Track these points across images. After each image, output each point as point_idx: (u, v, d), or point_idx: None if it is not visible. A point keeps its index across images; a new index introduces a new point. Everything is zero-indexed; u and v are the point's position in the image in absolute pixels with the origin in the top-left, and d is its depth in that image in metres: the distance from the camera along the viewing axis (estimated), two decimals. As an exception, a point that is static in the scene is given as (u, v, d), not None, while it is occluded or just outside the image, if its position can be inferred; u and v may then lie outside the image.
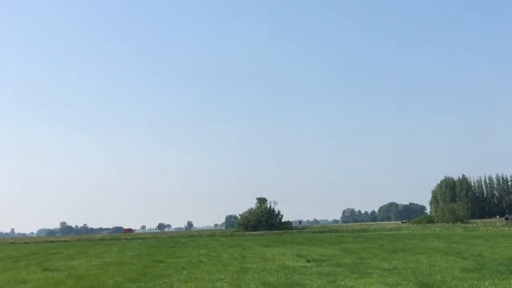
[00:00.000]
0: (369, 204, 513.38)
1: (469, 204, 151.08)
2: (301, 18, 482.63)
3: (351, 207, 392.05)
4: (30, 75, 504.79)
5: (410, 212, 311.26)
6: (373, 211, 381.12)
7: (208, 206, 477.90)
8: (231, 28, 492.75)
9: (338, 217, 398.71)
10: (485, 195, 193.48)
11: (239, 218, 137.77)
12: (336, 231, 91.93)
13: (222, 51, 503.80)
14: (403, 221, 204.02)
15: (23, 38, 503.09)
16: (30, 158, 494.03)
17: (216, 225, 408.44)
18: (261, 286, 16.49)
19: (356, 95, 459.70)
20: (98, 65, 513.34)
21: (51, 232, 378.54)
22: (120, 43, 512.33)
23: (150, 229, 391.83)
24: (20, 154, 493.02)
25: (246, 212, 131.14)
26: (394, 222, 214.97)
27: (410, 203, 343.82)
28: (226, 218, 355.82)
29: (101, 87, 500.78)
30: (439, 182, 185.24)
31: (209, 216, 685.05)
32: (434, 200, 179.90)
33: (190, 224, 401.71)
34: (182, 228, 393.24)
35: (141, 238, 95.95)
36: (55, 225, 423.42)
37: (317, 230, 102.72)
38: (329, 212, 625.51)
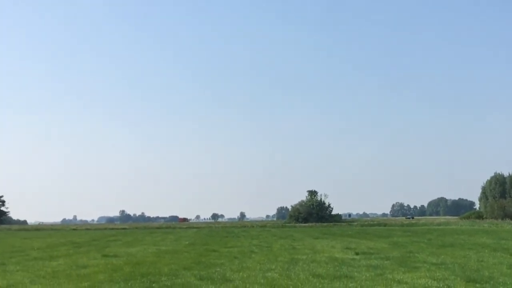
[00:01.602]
0: (418, 198, 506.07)
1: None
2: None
3: (400, 201, 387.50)
4: (87, 73, 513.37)
5: (459, 208, 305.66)
6: (422, 206, 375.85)
7: (260, 198, 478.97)
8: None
9: (387, 211, 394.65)
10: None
11: (290, 210, 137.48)
12: (385, 225, 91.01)
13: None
14: (407, 217, 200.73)
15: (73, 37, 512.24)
16: (93, 149, 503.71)
17: (267, 216, 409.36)
18: (310, 277, 16.45)
19: (408, 90, 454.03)
20: (160, 57, 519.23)
21: (110, 220, 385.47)
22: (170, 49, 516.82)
23: (204, 219, 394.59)
24: (82, 145, 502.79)
25: (297, 204, 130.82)
26: (443, 217, 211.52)
27: (459, 199, 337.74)
28: (278, 209, 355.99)
29: (155, 81, 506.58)
30: (489, 178, 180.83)
31: (261, 208, 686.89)
32: (484, 196, 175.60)
33: (242, 215, 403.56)
34: (235, 218, 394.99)
35: (196, 228, 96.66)
36: (114, 213, 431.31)
37: (366, 223, 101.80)
38: (379, 205, 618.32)
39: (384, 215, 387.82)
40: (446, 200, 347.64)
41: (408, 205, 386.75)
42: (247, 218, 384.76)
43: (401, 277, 16.06)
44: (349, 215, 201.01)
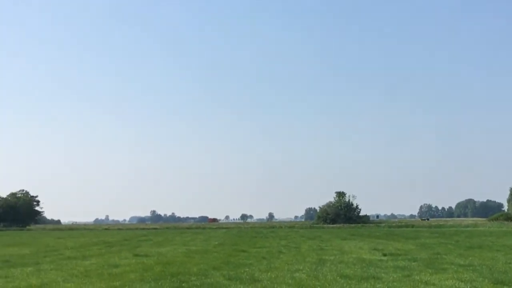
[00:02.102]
0: (446, 200, 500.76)
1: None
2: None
3: (428, 203, 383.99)
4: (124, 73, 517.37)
5: (487, 209, 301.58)
6: (450, 207, 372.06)
7: (288, 199, 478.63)
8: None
9: (415, 212, 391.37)
10: None
11: (318, 211, 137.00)
12: (412, 226, 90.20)
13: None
14: (423, 218, 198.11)
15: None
16: (125, 151, 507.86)
17: (296, 217, 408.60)
18: (338, 277, 16.39)
19: (435, 90, 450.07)
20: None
21: (142, 220, 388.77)
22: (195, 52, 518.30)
23: (234, 219, 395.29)
24: (114, 147, 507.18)
25: (325, 205, 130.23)
26: (471, 218, 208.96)
27: (488, 200, 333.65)
28: (306, 210, 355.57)
29: (190, 78, 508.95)
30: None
31: (289, 208, 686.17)
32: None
33: (271, 216, 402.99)
34: (263, 219, 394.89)
35: (225, 228, 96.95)
36: (146, 213, 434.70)
37: (394, 224, 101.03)
38: (406, 207, 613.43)
39: (412, 216, 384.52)
40: (474, 202, 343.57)
41: (436, 207, 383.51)
42: (276, 219, 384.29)
43: (429, 279, 15.92)
44: (377, 216, 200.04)
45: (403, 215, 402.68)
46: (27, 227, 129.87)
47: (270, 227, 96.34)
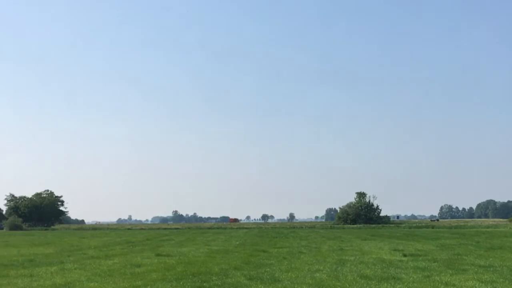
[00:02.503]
0: (467, 200, 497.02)
1: None
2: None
3: (448, 204, 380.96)
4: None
5: (509, 210, 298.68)
6: (471, 208, 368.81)
7: (309, 199, 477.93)
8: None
9: (435, 213, 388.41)
10: None
11: (338, 211, 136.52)
12: (433, 227, 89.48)
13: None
14: (432, 219, 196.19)
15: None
16: (147, 152, 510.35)
17: (316, 217, 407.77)
18: (358, 278, 16.33)
19: (457, 93, 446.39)
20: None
21: (164, 220, 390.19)
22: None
23: (255, 219, 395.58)
24: (137, 148, 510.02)
25: (345, 205, 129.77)
26: (492, 219, 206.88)
27: (508, 201, 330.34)
28: (326, 211, 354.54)
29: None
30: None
31: (310, 209, 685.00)
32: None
33: (292, 216, 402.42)
34: (284, 219, 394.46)
35: (246, 228, 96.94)
36: (168, 213, 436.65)
37: (414, 225, 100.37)
38: (427, 208, 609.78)
39: (432, 217, 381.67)
40: (495, 203, 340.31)
41: (457, 207, 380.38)
42: (296, 219, 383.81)
43: (449, 279, 15.80)
44: (397, 217, 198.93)
45: (424, 216, 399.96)
46: (52, 227, 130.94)
47: (291, 228, 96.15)
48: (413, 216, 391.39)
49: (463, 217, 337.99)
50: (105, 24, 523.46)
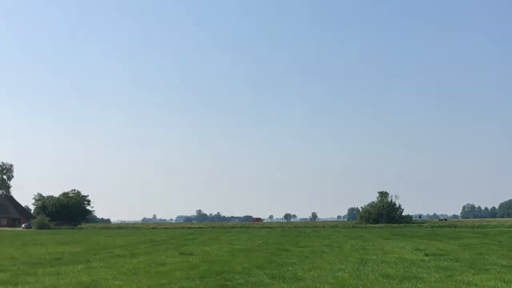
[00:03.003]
0: (490, 200, 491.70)
1: None
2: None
3: (471, 203, 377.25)
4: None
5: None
6: (493, 207, 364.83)
7: (332, 199, 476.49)
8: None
9: (457, 212, 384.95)
10: None
11: (361, 210, 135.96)
12: (455, 226, 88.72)
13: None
14: (441, 219, 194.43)
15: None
16: (171, 153, 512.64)
17: (339, 216, 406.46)
18: (379, 277, 16.25)
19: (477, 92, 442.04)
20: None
21: (188, 219, 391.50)
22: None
23: (277, 219, 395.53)
24: (161, 149, 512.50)
25: (368, 205, 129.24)
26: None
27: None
28: (349, 210, 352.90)
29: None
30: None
31: (332, 208, 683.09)
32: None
33: (314, 215, 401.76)
34: (306, 218, 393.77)
35: (269, 227, 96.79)
36: (192, 212, 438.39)
37: (436, 224, 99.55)
38: (449, 207, 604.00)
39: (454, 216, 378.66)
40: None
41: (479, 207, 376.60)
42: (319, 219, 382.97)
43: (471, 279, 15.65)
44: (420, 216, 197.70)
45: (446, 215, 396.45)
46: (78, 225, 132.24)
47: (313, 227, 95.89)
48: (435, 216, 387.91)
49: (485, 217, 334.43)
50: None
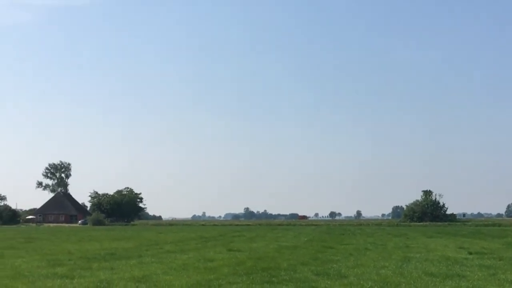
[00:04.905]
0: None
1: None
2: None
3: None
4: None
5: None
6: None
7: (376, 197, 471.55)
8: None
9: (502, 211, 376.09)
10: None
11: (405, 209, 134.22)
12: (499, 225, 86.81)
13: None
14: (459, 216, 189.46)
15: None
16: (218, 152, 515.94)
17: (383, 215, 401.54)
18: (423, 275, 16.06)
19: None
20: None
21: (236, 216, 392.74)
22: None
23: (323, 216, 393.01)
24: (210, 147, 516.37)
25: (412, 203, 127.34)
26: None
27: None
28: (393, 209, 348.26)
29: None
30: None
31: (377, 207, 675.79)
32: None
33: (359, 214, 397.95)
34: (351, 216, 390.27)
35: (314, 225, 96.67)
36: (239, 210, 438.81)
37: (480, 223, 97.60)
38: (494, 206, 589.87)
39: (499, 215, 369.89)
40: None
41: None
42: (363, 217, 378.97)
43: (514, 278, 15.34)
44: (464, 215, 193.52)
45: (490, 214, 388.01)
46: (131, 222, 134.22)
47: (358, 225, 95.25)
48: (479, 214, 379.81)
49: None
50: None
